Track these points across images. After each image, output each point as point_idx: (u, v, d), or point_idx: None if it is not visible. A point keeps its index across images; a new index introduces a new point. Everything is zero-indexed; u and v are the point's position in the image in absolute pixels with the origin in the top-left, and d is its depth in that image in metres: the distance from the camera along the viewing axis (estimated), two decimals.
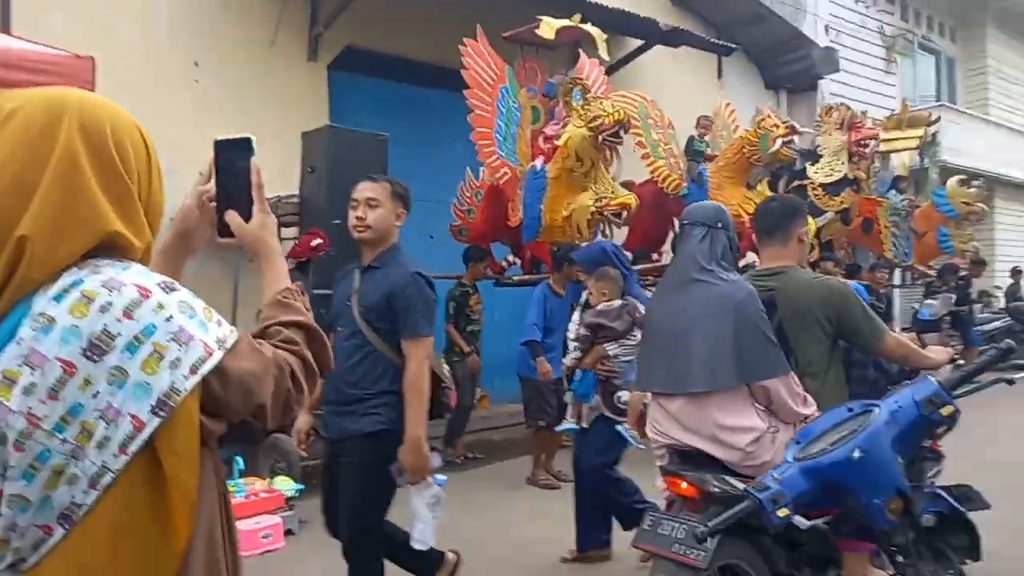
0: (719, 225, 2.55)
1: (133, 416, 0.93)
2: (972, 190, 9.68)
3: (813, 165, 8.47)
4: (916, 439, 2.09)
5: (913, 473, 2.06)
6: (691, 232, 2.57)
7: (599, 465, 3.65)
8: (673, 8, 10.56)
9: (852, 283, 2.92)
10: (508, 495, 5.26)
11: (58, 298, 0.92)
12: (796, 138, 7.16)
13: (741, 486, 2.12)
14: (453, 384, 6.14)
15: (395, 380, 2.61)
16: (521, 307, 8.16)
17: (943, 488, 2.14)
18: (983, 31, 15.75)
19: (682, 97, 9.10)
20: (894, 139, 9.64)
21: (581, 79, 6.34)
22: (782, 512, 1.98)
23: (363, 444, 2.58)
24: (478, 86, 6.22)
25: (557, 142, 6.08)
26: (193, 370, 0.98)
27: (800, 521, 2.00)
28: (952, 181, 9.84)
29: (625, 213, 6.10)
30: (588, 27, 6.75)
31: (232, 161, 1.23)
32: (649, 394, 2.65)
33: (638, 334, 3.49)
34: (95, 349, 0.92)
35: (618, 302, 3.69)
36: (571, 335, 3.87)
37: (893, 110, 12.87)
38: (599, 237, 6.61)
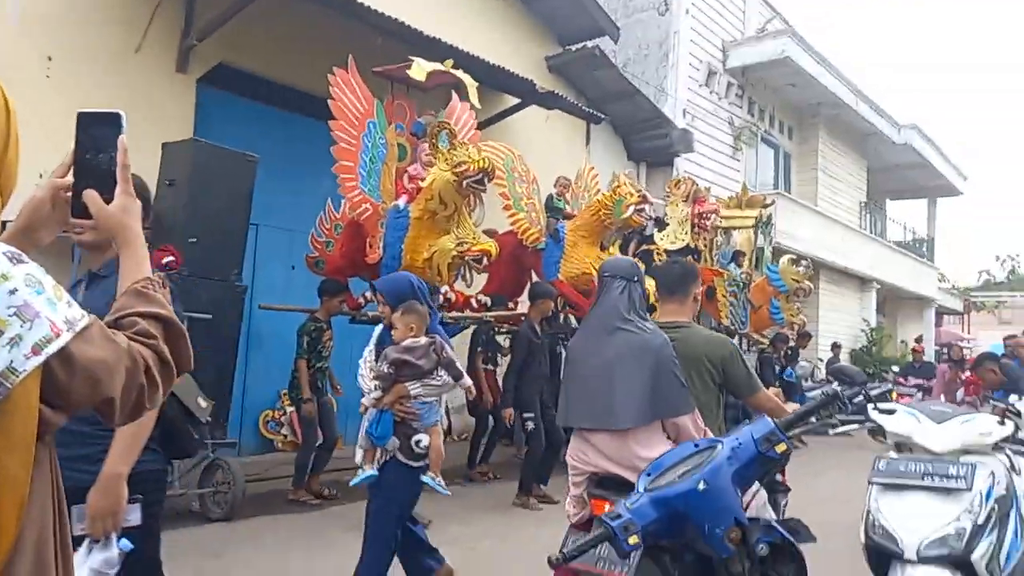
0: (635, 279, 2.85)
1: None
2: (800, 269, 10.64)
3: (660, 232, 9.00)
4: (754, 473, 2.24)
5: (771, 504, 2.31)
6: (611, 284, 2.85)
7: (395, 515, 3.38)
8: (549, 75, 11.10)
9: None
10: (355, 535, 5.06)
11: None
12: (647, 206, 7.54)
13: None
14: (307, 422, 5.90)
15: None
16: None
17: (776, 521, 2.30)
18: (816, 133, 17.64)
19: (551, 159, 9.49)
20: (733, 217, 10.44)
21: (448, 123, 6.36)
22: (632, 539, 2.04)
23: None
24: (344, 118, 6.08)
25: (421, 183, 6.08)
26: (36, 350, 0.88)
27: None
28: (784, 260, 10.79)
29: (485, 260, 6.17)
30: (459, 73, 6.87)
31: (96, 137, 1.13)
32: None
33: (443, 374, 3.45)
34: None
35: (425, 339, 3.47)
36: (365, 372, 3.56)
37: (736, 192, 14.09)
38: (459, 282, 6.70)
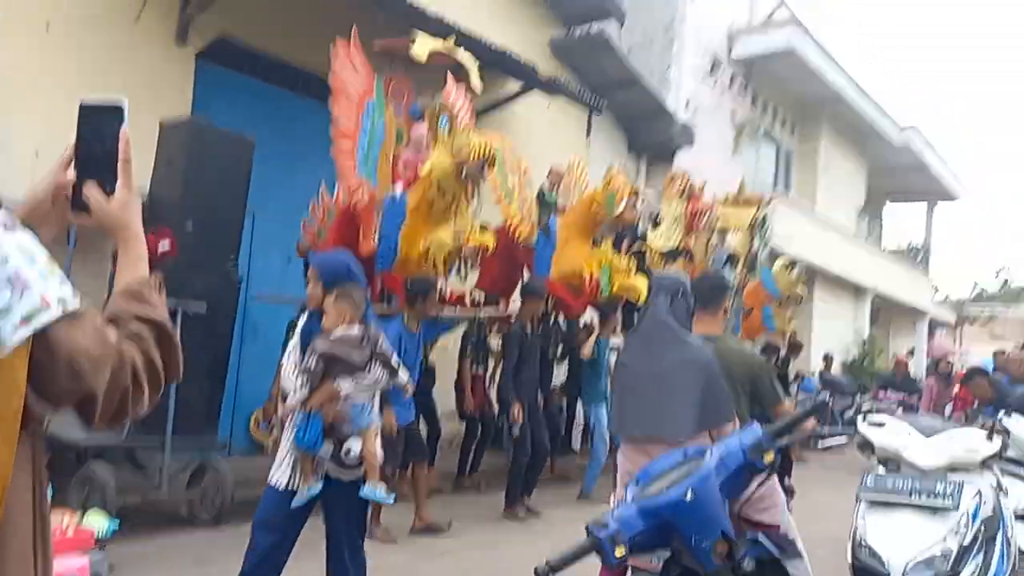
0: (680, 294, 3.02)
1: None
2: (795, 274, 10.53)
3: (654, 230, 8.79)
4: (742, 483, 2.22)
5: None
6: (658, 298, 3.05)
7: (355, 542, 3.08)
8: (552, 59, 10.97)
9: None
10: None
11: None
12: (640, 202, 7.41)
13: None
14: None
15: None
16: None
17: (764, 534, 2.28)
18: (818, 131, 17.51)
19: (551, 150, 9.38)
20: (728, 216, 10.28)
21: (449, 107, 6.18)
22: (619, 551, 2.02)
23: None
24: (344, 95, 5.72)
25: (420, 171, 5.86)
26: (25, 321, 0.85)
27: None
28: (778, 263, 10.64)
29: (484, 254, 6.05)
30: (461, 53, 6.69)
31: (98, 128, 1.11)
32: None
33: (377, 370, 3.15)
34: None
35: (358, 329, 3.10)
36: (290, 368, 3.17)
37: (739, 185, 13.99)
38: (454, 276, 6.55)
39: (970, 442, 3.07)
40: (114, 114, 1.13)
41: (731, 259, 9.90)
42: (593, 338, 7.30)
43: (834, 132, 17.91)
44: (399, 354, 5.22)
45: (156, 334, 1.07)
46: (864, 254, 18.59)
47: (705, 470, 2.21)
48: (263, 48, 7.63)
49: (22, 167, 5.29)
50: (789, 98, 16.74)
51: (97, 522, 4.06)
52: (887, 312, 22.02)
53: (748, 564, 2.15)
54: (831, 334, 17.10)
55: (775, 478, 2.80)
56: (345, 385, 3.04)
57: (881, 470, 3.08)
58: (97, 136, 1.11)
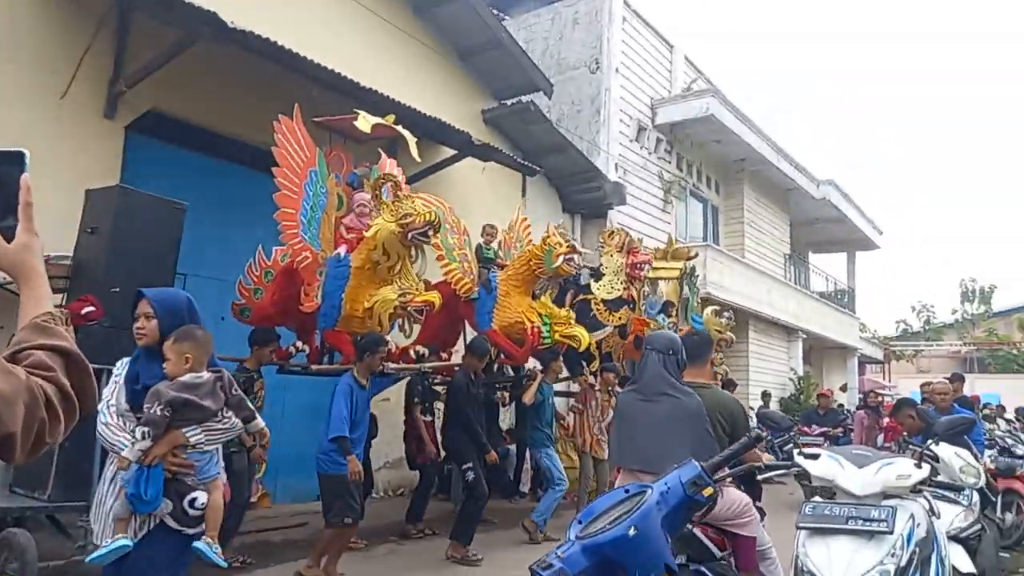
0: (671, 352, 3.57)
1: None
2: (724, 320, 10.90)
3: (597, 282, 9.17)
4: (683, 518, 2.26)
5: None
6: (651, 356, 3.59)
7: None
8: (485, 128, 11.31)
9: None
10: None
11: None
12: (577, 256, 7.68)
13: (690, 528, 3.05)
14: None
15: None
16: (311, 399, 7.84)
17: (705, 566, 2.32)
18: (740, 188, 18.38)
19: (487, 210, 9.60)
20: (659, 268, 10.69)
21: (393, 176, 6.44)
22: None
23: None
24: (288, 165, 6.06)
25: (366, 233, 6.06)
26: None
27: None
28: (708, 311, 11.05)
29: (426, 310, 6.18)
30: (400, 129, 7.00)
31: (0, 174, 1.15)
32: None
33: (230, 416, 2.92)
34: None
35: (208, 374, 2.85)
36: (111, 418, 2.80)
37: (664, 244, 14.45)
38: (396, 331, 6.65)
39: (901, 469, 3.18)
40: (16, 161, 1.16)
41: (666, 307, 10.19)
42: (535, 385, 7.41)
43: (756, 188, 18.79)
44: (351, 408, 5.22)
45: (66, 363, 1.08)
46: (793, 297, 19.32)
47: (647, 506, 2.24)
48: (195, 119, 7.67)
49: None
50: (711, 158, 17.56)
51: None
52: (819, 351, 22.80)
53: None
54: (767, 373, 17.66)
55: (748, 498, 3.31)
56: (194, 434, 2.77)
57: (819, 499, 3.16)
58: None
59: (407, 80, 9.77)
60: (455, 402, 6.48)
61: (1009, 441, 8.33)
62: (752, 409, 14.75)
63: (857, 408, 10.92)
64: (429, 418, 7.64)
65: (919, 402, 7.88)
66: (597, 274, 9.18)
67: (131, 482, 2.68)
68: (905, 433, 6.17)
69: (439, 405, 7.90)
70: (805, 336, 19.70)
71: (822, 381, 22.38)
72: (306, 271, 6.17)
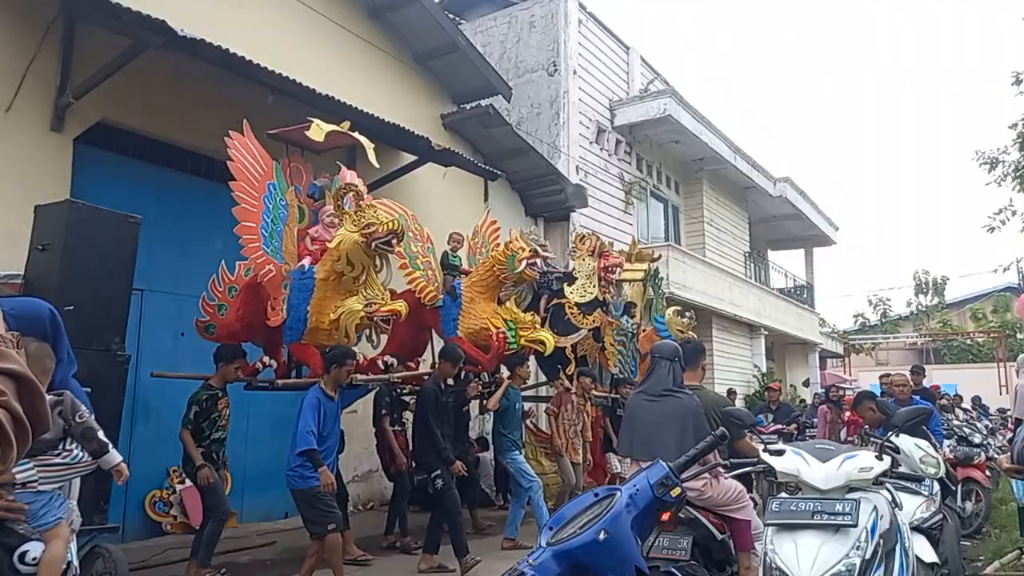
0: (675, 359, 4.19)
1: None
2: (685, 319, 11.00)
3: (570, 286, 9.20)
4: (652, 519, 2.26)
5: None
6: (660, 362, 4.21)
7: None
8: (445, 132, 11.28)
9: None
10: None
11: None
12: (540, 261, 7.69)
13: (695, 514, 3.75)
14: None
15: None
16: (278, 414, 7.71)
17: (675, 567, 2.32)
18: (700, 187, 18.62)
19: (450, 216, 9.57)
20: (624, 270, 10.75)
21: (354, 186, 6.36)
22: None
23: None
24: (245, 179, 5.97)
25: (329, 244, 5.99)
26: None
27: None
28: (669, 311, 11.14)
29: (393, 319, 6.12)
30: (357, 135, 6.91)
31: None
32: None
33: (74, 448, 2.54)
34: None
35: (50, 397, 2.44)
36: None
37: (628, 245, 14.55)
38: (363, 343, 6.58)
39: (863, 462, 3.23)
40: None
41: (628, 308, 10.26)
42: (500, 391, 7.36)
43: (715, 187, 19.06)
44: (320, 422, 5.14)
45: (17, 387, 1.04)
46: (754, 294, 19.62)
47: (616, 509, 2.24)
48: (147, 130, 7.51)
49: None
50: (670, 159, 17.76)
51: None
52: (781, 347, 23.19)
53: None
54: (732, 371, 17.90)
55: (711, 482, 3.76)
56: (23, 470, 2.30)
57: (785, 495, 3.20)
58: None
59: (364, 86, 9.70)
60: (422, 411, 6.42)
61: (967, 430, 8.53)
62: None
63: (819, 403, 11.09)
64: (398, 428, 7.57)
65: (879, 394, 8.05)
66: (570, 278, 9.21)
67: None
68: (867, 426, 6.29)
69: (408, 415, 7.84)
70: (767, 333, 20.02)
71: (785, 377, 22.75)
72: (270, 285, 6.09)
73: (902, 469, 4.41)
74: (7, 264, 4.98)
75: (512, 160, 11.99)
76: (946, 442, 7.65)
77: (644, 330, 10.64)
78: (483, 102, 11.63)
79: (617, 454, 9.63)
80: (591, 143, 14.91)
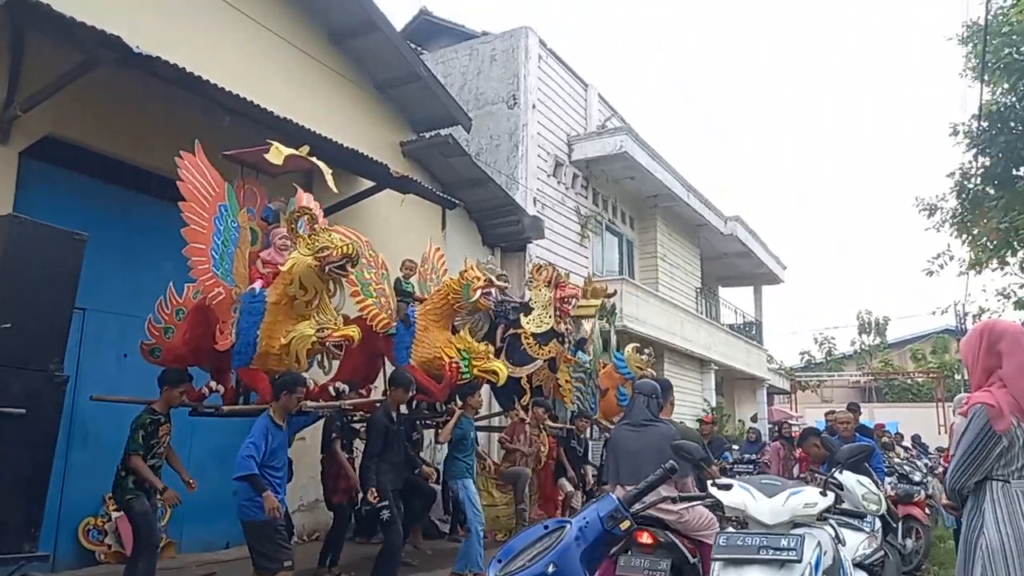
0: (653, 395, 4.82)
1: None
2: (644, 356, 11.12)
3: (526, 316, 9.21)
4: (602, 552, 2.26)
5: None
6: (639, 398, 4.84)
7: None
8: (404, 160, 11.30)
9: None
10: None
11: None
12: (495, 290, 7.69)
13: (672, 538, 4.26)
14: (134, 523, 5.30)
15: None
16: (222, 442, 7.50)
17: None
18: (654, 223, 18.97)
19: (406, 243, 9.54)
20: (579, 306, 10.78)
21: (308, 209, 6.30)
22: None
23: None
24: (196, 200, 5.83)
25: (281, 267, 5.91)
26: None
27: None
28: (629, 348, 11.26)
29: (346, 345, 6.04)
30: (315, 160, 6.87)
31: None
32: None
33: None
34: None
35: None
36: None
37: (585, 278, 14.67)
38: (315, 368, 6.46)
39: (807, 498, 3.27)
40: None
41: (582, 343, 10.29)
42: (453, 422, 7.30)
43: (668, 223, 19.43)
44: (266, 450, 5.00)
45: None
46: (704, 329, 19.94)
47: (565, 542, 2.23)
48: (98, 147, 7.34)
49: None
50: (626, 194, 18.08)
51: None
52: (730, 382, 23.57)
53: None
54: (682, 404, 18.04)
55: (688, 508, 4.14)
56: None
57: (732, 530, 3.23)
58: None
59: (323, 110, 9.67)
60: (375, 437, 6.29)
61: (907, 468, 8.74)
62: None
63: (771, 439, 11.26)
64: (348, 456, 7.47)
65: (824, 431, 8.21)
66: (526, 308, 9.23)
67: None
68: (813, 462, 6.41)
69: (358, 444, 7.72)
70: (717, 368, 20.33)
71: (734, 411, 23.09)
72: (219, 308, 5.95)
73: (845, 505, 4.49)
74: None
75: (470, 190, 12.05)
76: (887, 479, 7.82)
77: (603, 365, 10.70)
78: (443, 131, 11.70)
79: (568, 481, 9.63)
80: (548, 176, 15.09)
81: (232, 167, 6.75)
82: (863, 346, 36.78)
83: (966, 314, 20.59)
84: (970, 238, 13.42)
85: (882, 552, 4.48)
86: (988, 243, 13.09)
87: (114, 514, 7.17)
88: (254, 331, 5.77)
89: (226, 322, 5.95)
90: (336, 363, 6.87)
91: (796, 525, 3.19)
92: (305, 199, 7.09)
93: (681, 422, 14.35)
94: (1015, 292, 14.19)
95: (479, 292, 7.13)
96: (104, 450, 6.54)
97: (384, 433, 6.27)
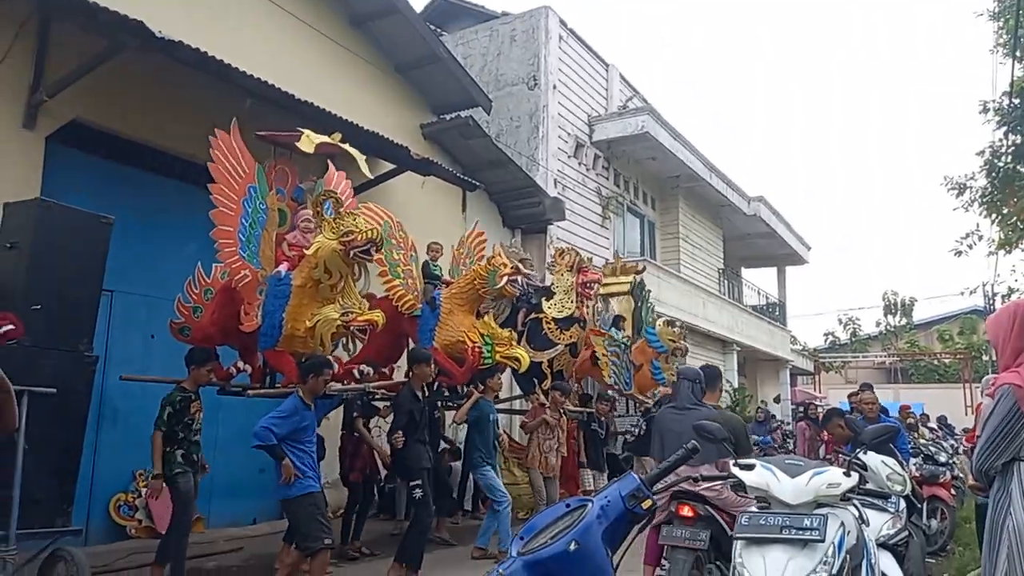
0: (697, 381, 5.23)
1: None
2: (676, 330, 11.13)
3: (548, 300, 9.20)
4: (623, 531, 2.26)
5: None
6: (683, 383, 5.26)
7: None
8: (424, 142, 11.29)
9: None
10: None
11: None
12: (521, 278, 7.68)
13: (712, 512, 4.55)
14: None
15: None
16: (249, 422, 7.62)
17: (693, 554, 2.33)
18: (676, 203, 18.81)
19: (427, 225, 9.56)
20: (610, 284, 10.80)
21: (334, 192, 6.31)
22: None
23: None
24: (225, 182, 5.86)
25: (306, 251, 5.93)
26: None
27: None
28: (660, 322, 11.26)
29: (369, 328, 6.07)
30: (348, 147, 6.87)
31: None
32: None
33: None
34: None
35: None
36: None
37: (607, 259, 14.62)
38: (339, 350, 6.51)
39: (831, 478, 3.26)
40: None
41: (617, 321, 10.29)
42: (469, 404, 7.32)
43: (690, 204, 19.25)
44: (293, 428, 5.04)
45: None
46: (727, 310, 19.81)
47: (587, 521, 2.23)
48: (122, 130, 7.42)
49: None
50: (647, 175, 17.93)
51: None
52: (753, 363, 23.42)
53: None
54: None
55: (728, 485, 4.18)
56: None
57: (755, 509, 3.22)
58: None
59: (344, 93, 9.68)
60: (401, 416, 6.30)
61: (932, 449, 8.65)
62: None
63: (796, 420, 11.20)
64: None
65: (848, 411, 8.15)
66: (548, 293, 9.21)
67: None
68: (837, 443, 6.37)
69: (381, 422, 7.78)
70: (739, 349, 20.20)
71: (756, 392, 22.96)
72: (245, 290, 6.00)
73: (869, 486, 4.46)
74: None
75: (491, 172, 12.02)
76: (912, 460, 7.76)
77: (635, 342, 10.69)
78: (463, 113, 11.67)
79: (588, 468, 9.65)
80: (569, 157, 15.00)
81: (263, 148, 6.78)
82: (888, 327, 36.33)
83: (995, 294, 20.22)
84: (999, 217, 13.17)
85: (906, 532, 4.45)
86: (1018, 222, 12.84)
87: (144, 490, 7.34)
88: (280, 314, 5.82)
89: (252, 304, 6.01)
90: (359, 344, 6.91)
91: (819, 505, 3.17)
92: (337, 176, 7.09)
93: (726, 406, 14.46)
94: None
95: (505, 279, 7.15)
96: (133, 428, 6.70)
97: (411, 412, 6.28)
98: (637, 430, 10.02)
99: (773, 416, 14.22)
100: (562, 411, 8.70)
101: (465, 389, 7.84)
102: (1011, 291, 16.56)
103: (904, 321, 36.34)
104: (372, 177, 7.41)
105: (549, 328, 8.83)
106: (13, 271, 4.78)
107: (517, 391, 10.18)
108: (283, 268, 6.01)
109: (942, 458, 8.38)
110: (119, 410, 7.23)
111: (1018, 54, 11.66)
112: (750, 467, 3.39)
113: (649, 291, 12.41)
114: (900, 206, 79.46)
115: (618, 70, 17.11)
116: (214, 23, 8.11)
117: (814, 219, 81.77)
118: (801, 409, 12.77)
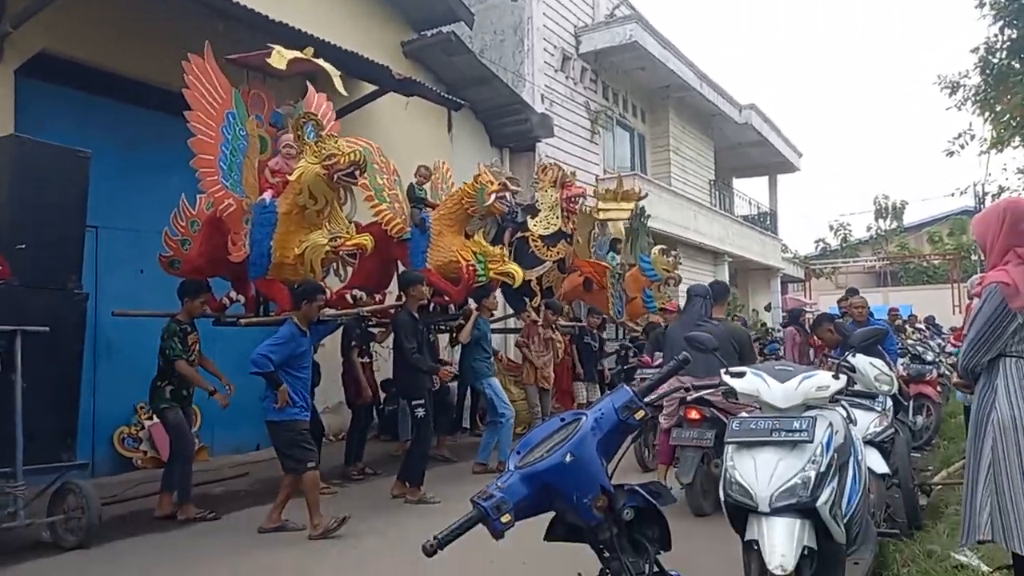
0: (707, 297, 5.70)
1: None
2: (670, 259, 11.12)
3: (533, 218, 9.16)
4: (617, 441, 2.32)
5: None
6: (694, 300, 5.76)
7: None
8: (406, 60, 10.96)
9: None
10: (223, 553, 4.84)
11: None
12: (508, 194, 7.63)
13: (717, 414, 5.11)
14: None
15: None
16: (246, 351, 7.69)
17: (639, 485, 2.39)
18: (666, 115, 18.49)
19: (413, 146, 9.40)
20: (611, 210, 10.65)
21: (314, 115, 6.16)
22: (505, 518, 2.06)
23: None
24: (202, 108, 5.70)
25: (289, 177, 5.83)
26: None
27: None
28: (655, 250, 11.24)
29: (359, 253, 6.04)
30: (321, 62, 6.66)
31: None
32: None
33: None
34: None
35: None
36: None
37: (597, 175, 14.47)
38: (331, 276, 6.51)
39: (820, 381, 3.32)
40: None
41: (613, 244, 10.27)
42: (471, 323, 7.43)
43: (681, 115, 18.93)
44: (290, 356, 5.08)
45: None
46: (718, 221, 19.80)
47: (582, 433, 2.28)
48: (94, 61, 7.17)
49: None
50: (637, 87, 17.54)
51: None
52: (744, 272, 23.59)
53: (627, 514, 2.26)
54: None
55: None
56: None
57: (745, 415, 3.30)
58: None
59: (320, 12, 9.33)
60: (401, 339, 6.31)
61: (920, 349, 8.84)
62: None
63: (784, 326, 11.33)
64: (368, 359, 7.61)
65: (838, 316, 8.26)
66: (533, 210, 9.15)
67: None
68: (826, 347, 6.49)
69: (376, 347, 7.86)
70: (731, 259, 20.28)
71: (748, 302, 23.20)
72: (231, 219, 5.93)
73: (857, 387, 4.56)
74: None
75: (476, 89, 11.73)
76: (900, 360, 7.93)
77: (630, 267, 10.71)
78: (444, 29, 11.28)
79: (583, 382, 9.84)
80: (556, 71, 14.64)
81: (238, 73, 6.58)
82: (879, 231, 36.41)
83: (985, 194, 20.20)
84: (992, 115, 13.01)
85: (892, 429, 4.59)
86: (1011, 120, 12.69)
87: (147, 422, 7.46)
88: (267, 242, 5.79)
89: (239, 233, 5.97)
90: (350, 270, 6.91)
91: (808, 408, 3.25)
92: (317, 98, 6.92)
93: (734, 319, 14.74)
94: None
95: (493, 196, 7.09)
96: (129, 362, 6.76)
97: (414, 331, 6.29)
98: (626, 355, 10.19)
99: (747, 323, 14.42)
100: (554, 327, 8.80)
101: (459, 310, 7.90)
102: (1002, 190, 16.53)
103: (895, 225, 36.39)
104: (347, 95, 7.20)
105: (536, 246, 8.85)
106: None
107: (509, 311, 10.26)
108: (267, 196, 5.92)
109: (929, 357, 8.58)
110: (114, 345, 7.28)
111: None
112: (741, 375, 3.46)
113: (649, 216, 12.35)
114: (893, 109, 78.40)
115: None
116: None
117: (805, 125, 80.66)
118: (784, 315, 12.89)
